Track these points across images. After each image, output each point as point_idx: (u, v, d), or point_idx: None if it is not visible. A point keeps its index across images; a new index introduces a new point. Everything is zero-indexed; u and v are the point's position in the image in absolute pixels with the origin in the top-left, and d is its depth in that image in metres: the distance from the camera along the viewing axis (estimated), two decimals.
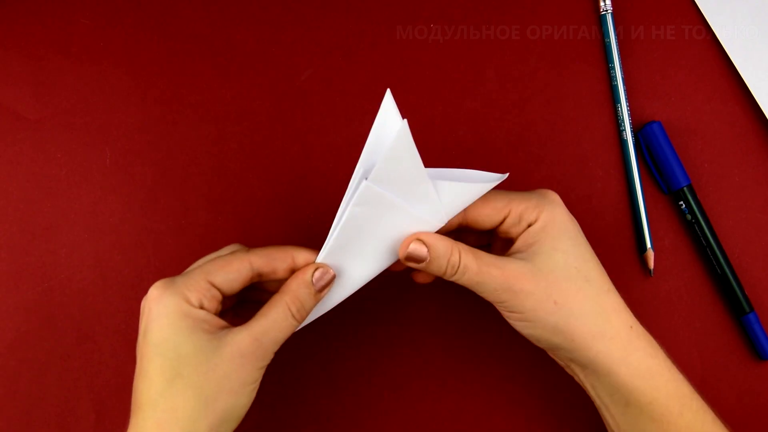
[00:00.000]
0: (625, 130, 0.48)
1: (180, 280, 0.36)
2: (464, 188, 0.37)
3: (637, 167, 0.47)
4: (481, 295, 0.38)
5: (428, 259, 0.37)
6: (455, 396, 0.46)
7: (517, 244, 0.38)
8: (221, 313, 0.38)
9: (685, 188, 0.47)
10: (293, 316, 0.36)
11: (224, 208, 0.47)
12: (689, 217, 0.47)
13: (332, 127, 0.48)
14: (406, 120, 0.34)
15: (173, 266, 0.47)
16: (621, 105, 0.48)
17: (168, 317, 0.34)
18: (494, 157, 0.48)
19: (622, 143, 0.48)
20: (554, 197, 0.38)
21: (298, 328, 0.37)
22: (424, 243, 0.37)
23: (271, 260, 0.37)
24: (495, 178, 0.37)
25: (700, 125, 0.48)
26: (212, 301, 0.36)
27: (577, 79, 0.49)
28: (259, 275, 0.37)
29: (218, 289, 0.36)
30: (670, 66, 0.49)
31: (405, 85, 0.48)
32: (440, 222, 0.37)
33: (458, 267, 0.37)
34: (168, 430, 0.34)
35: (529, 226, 0.37)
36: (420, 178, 0.36)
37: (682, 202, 0.47)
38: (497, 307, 0.38)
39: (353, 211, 0.36)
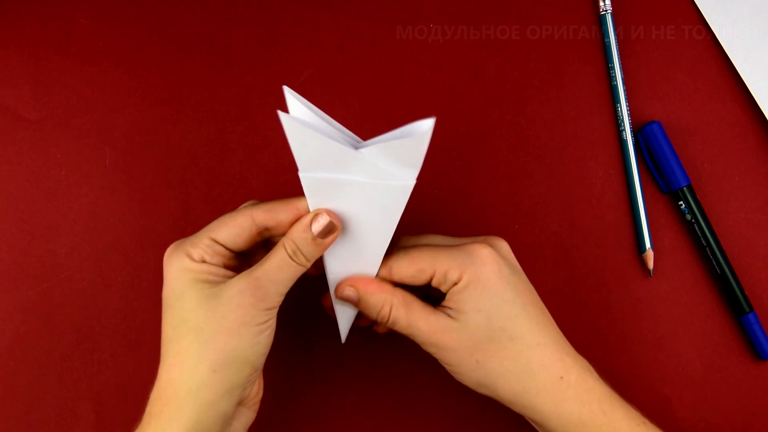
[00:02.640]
0: (624, 130, 0.48)
1: (187, 240, 0.37)
2: (394, 144, 0.34)
3: (637, 167, 0.47)
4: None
5: (361, 303, 0.38)
6: (456, 397, 0.46)
7: (446, 301, 0.38)
8: (242, 266, 0.39)
9: (684, 188, 0.47)
10: (289, 256, 0.36)
11: (224, 208, 0.47)
12: (689, 217, 0.47)
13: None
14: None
15: None
16: (621, 105, 0.48)
17: (173, 273, 0.36)
18: (494, 156, 0.48)
19: (622, 143, 0.48)
20: (483, 254, 0.37)
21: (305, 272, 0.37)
22: (357, 291, 0.38)
23: (275, 213, 0.37)
24: (425, 123, 0.34)
25: (699, 125, 0.48)
26: (215, 257, 0.37)
27: (577, 79, 0.49)
28: (266, 229, 0.38)
29: (222, 245, 0.37)
30: (670, 66, 0.49)
31: (405, 85, 0.48)
32: (407, 181, 0.36)
33: (388, 318, 0.38)
34: (175, 372, 0.35)
35: (455, 284, 0.37)
36: (342, 152, 0.35)
37: (681, 202, 0.47)
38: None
39: (312, 203, 0.36)
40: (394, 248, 0.40)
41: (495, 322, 0.37)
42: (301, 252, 0.36)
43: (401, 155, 0.35)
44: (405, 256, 0.38)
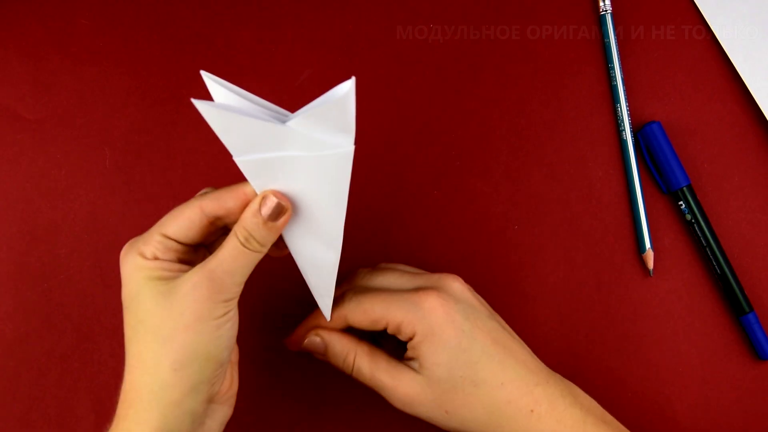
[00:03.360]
0: (624, 130, 0.48)
1: (138, 239, 0.36)
2: (318, 110, 0.33)
3: (637, 167, 0.47)
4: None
5: (325, 353, 0.39)
6: None
7: (407, 352, 0.38)
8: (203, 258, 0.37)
9: (684, 188, 0.47)
10: (242, 244, 0.35)
11: None
12: (689, 217, 0.47)
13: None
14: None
15: None
16: (621, 105, 0.48)
17: (128, 273, 0.35)
18: (494, 157, 0.48)
19: (622, 143, 0.48)
20: (432, 306, 0.37)
21: (262, 258, 0.36)
22: (323, 339, 0.39)
23: (222, 201, 0.36)
24: (344, 85, 0.34)
25: (699, 125, 0.49)
26: (167, 252, 0.35)
27: (577, 79, 0.49)
28: (218, 218, 0.36)
29: (174, 240, 0.36)
30: (670, 66, 0.49)
31: (405, 85, 0.48)
32: (344, 147, 0.34)
33: (352, 368, 0.38)
34: (137, 373, 0.34)
35: (410, 338, 0.37)
36: (269, 129, 0.33)
37: (681, 202, 0.47)
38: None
39: (256, 186, 0.35)
40: (348, 291, 0.40)
41: (456, 371, 0.37)
42: (254, 238, 0.35)
43: (330, 120, 0.33)
44: (358, 306, 0.38)
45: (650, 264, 0.47)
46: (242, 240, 0.35)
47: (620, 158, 0.48)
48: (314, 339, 0.39)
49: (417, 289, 0.38)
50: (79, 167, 0.48)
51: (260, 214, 0.34)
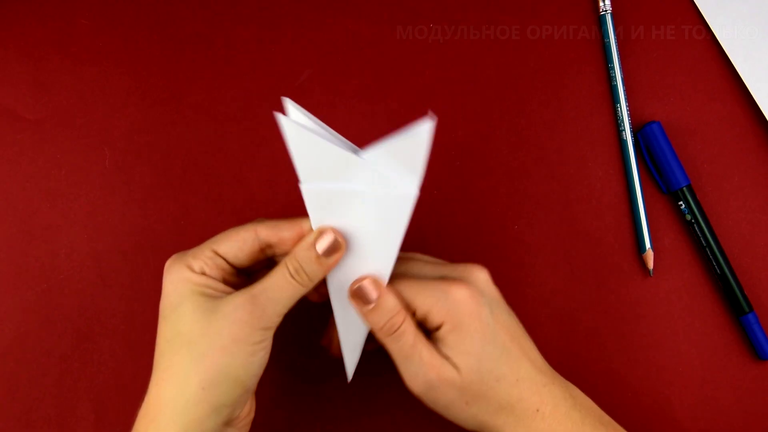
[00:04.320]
0: (624, 130, 0.48)
1: (187, 252, 0.37)
2: (394, 145, 0.34)
3: (637, 167, 0.47)
4: (401, 373, 0.37)
5: (374, 305, 0.36)
6: None
7: (434, 340, 0.37)
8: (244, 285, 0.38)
9: (684, 188, 0.47)
10: (291, 275, 0.35)
11: (223, 209, 0.47)
12: (689, 217, 0.47)
13: (331, 128, 0.48)
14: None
15: None
16: (620, 105, 0.48)
17: (172, 284, 0.36)
18: (494, 157, 0.48)
19: (622, 143, 0.48)
20: (461, 298, 0.36)
21: (307, 293, 0.36)
22: (379, 288, 0.37)
23: (278, 230, 0.37)
24: (423, 126, 0.34)
25: (699, 125, 0.49)
26: (215, 269, 0.36)
27: (577, 79, 0.49)
28: (269, 246, 0.37)
29: (224, 258, 0.36)
30: (670, 66, 0.49)
31: (405, 85, 0.48)
32: (410, 189, 0.35)
33: (396, 329, 0.36)
34: (164, 385, 0.34)
35: (438, 327, 0.37)
36: (343, 158, 0.34)
37: (681, 202, 0.47)
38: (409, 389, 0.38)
39: (314, 218, 0.35)
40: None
41: (484, 364, 0.36)
42: (304, 271, 0.35)
43: (401, 158, 0.34)
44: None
45: (650, 264, 0.47)
46: (292, 271, 0.35)
47: (620, 158, 0.48)
48: (369, 284, 0.37)
49: (445, 279, 0.38)
50: (79, 167, 0.48)
51: (314, 248, 0.35)
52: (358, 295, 0.37)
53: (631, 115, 0.48)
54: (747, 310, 0.46)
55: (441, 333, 0.37)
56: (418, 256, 0.41)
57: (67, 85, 0.48)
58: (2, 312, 0.46)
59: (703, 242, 0.47)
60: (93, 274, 0.47)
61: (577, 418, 0.38)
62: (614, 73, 0.48)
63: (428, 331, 0.38)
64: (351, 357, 0.40)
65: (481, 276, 0.39)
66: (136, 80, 0.48)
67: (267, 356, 0.36)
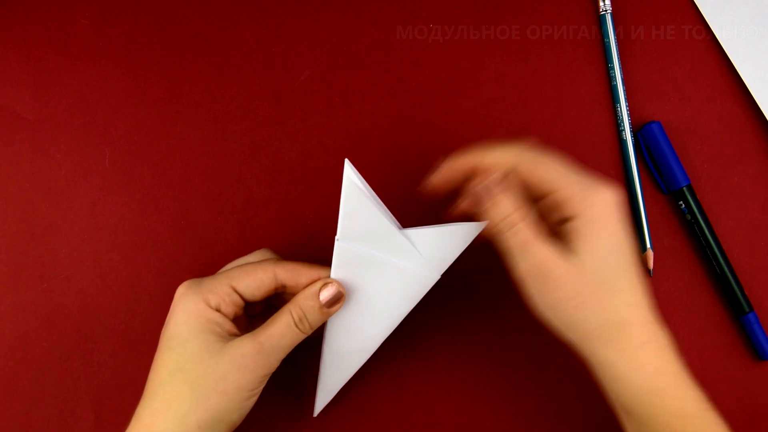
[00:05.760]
0: (624, 130, 0.48)
1: (205, 282, 0.38)
2: (437, 232, 0.37)
3: (637, 167, 0.47)
4: (512, 269, 0.36)
5: (492, 202, 0.36)
6: (456, 398, 0.46)
7: (559, 233, 0.36)
8: (250, 318, 0.40)
9: (684, 188, 0.47)
10: (295, 324, 0.37)
11: (223, 209, 0.47)
12: (689, 217, 0.47)
13: (331, 128, 0.48)
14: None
15: (172, 266, 0.47)
16: (620, 105, 0.48)
17: (184, 314, 0.36)
18: None
19: (622, 143, 0.48)
20: (608, 198, 0.35)
21: (303, 339, 0.38)
22: (498, 177, 0.36)
23: (297, 275, 0.38)
24: (476, 225, 0.37)
25: (699, 125, 0.48)
26: (231, 306, 0.37)
27: (576, 79, 0.49)
28: (284, 286, 0.38)
29: (240, 295, 0.37)
30: (670, 66, 0.49)
31: (405, 85, 0.48)
32: (434, 274, 0.38)
33: (516, 224, 0.35)
34: (160, 419, 0.35)
35: (569, 218, 0.35)
36: (385, 229, 0.36)
37: (681, 202, 0.47)
38: (521, 288, 0.37)
39: (336, 272, 0.37)
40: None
41: (606, 270, 0.35)
42: (307, 319, 0.37)
43: (440, 245, 0.37)
44: (535, 160, 0.36)
45: (650, 264, 0.47)
46: (296, 319, 0.37)
47: (620, 158, 0.48)
48: (494, 179, 0.36)
49: (590, 180, 0.36)
50: (79, 167, 0.48)
51: (318, 297, 0.37)
52: (475, 198, 0.37)
53: (631, 115, 0.48)
54: (747, 310, 0.46)
55: (572, 225, 0.35)
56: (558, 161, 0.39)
57: (67, 85, 0.48)
58: (2, 312, 0.46)
59: (703, 242, 0.47)
60: (92, 273, 0.47)
61: (679, 367, 0.36)
62: (614, 73, 0.48)
63: (553, 223, 0.37)
64: (323, 398, 0.42)
65: (618, 193, 0.37)
66: (136, 80, 0.48)
67: (257, 398, 0.38)
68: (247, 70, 0.48)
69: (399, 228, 0.37)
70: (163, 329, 0.37)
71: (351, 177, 0.36)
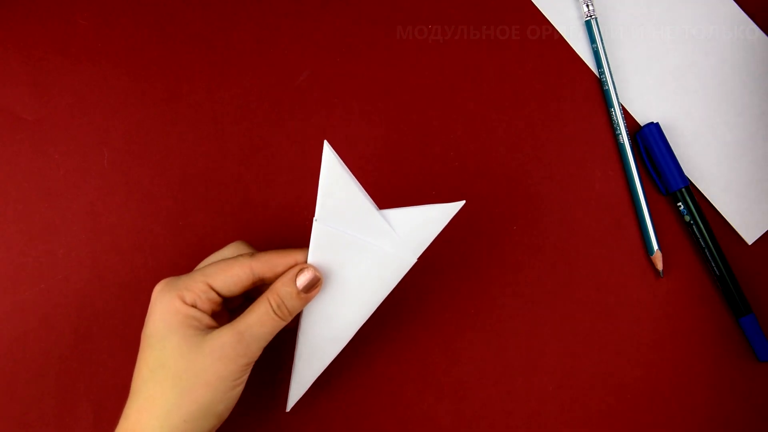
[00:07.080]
0: (620, 134, 0.48)
1: (181, 280, 0.37)
2: (413, 213, 0.37)
3: (636, 170, 0.47)
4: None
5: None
6: (453, 397, 0.46)
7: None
8: (231, 312, 0.40)
9: (683, 189, 0.47)
10: (274, 311, 0.37)
11: (222, 209, 0.47)
12: (688, 218, 0.47)
13: (331, 128, 0.48)
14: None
15: (171, 267, 0.47)
16: (614, 110, 0.48)
17: (162, 312, 0.36)
18: (493, 157, 0.48)
19: (620, 146, 0.48)
20: None
21: (283, 328, 0.38)
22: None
23: (273, 265, 0.38)
24: (452, 206, 0.38)
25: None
26: (207, 303, 0.37)
27: (575, 79, 0.49)
28: (261, 279, 0.38)
29: (217, 292, 0.37)
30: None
31: (405, 85, 0.49)
32: (411, 256, 0.38)
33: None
34: (146, 416, 0.35)
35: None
36: (363, 207, 0.36)
37: (680, 204, 0.47)
38: None
39: (314, 255, 0.37)
40: None
41: None
42: (285, 306, 0.37)
43: (417, 226, 0.37)
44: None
45: (659, 265, 0.47)
46: (274, 306, 0.37)
47: (619, 159, 0.48)
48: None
49: None
50: (78, 167, 0.47)
51: (294, 283, 0.37)
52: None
53: (632, 115, 0.48)
54: (746, 311, 0.46)
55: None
56: None
57: (66, 85, 0.48)
58: (1, 312, 0.46)
59: (702, 243, 0.47)
60: (92, 274, 0.47)
61: None
62: (605, 77, 0.48)
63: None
64: (297, 390, 0.42)
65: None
66: (136, 80, 0.48)
67: (243, 387, 0.37)
68: (247, 70, 0.48)
69: (377, 209, 0.37)
70: (143, 329, 0.37)
71: (330, 155, 0.35)
